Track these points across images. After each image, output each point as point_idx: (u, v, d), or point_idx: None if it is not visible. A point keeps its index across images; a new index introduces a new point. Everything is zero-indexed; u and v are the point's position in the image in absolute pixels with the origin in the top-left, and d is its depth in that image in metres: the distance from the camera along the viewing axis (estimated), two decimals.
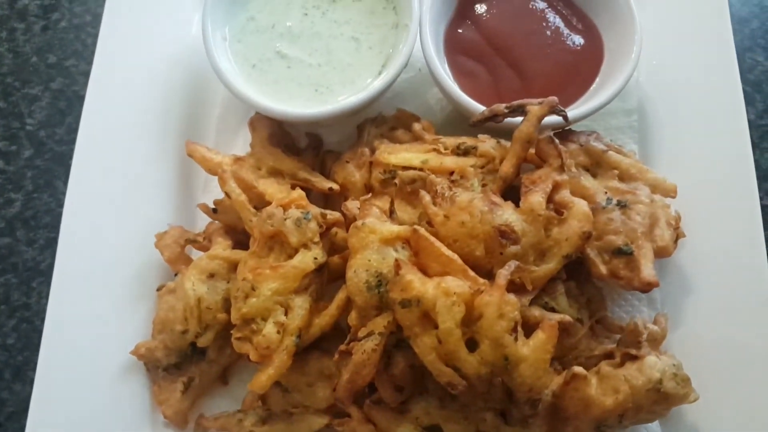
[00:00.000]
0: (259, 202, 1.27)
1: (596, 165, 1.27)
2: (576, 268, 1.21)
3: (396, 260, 1.06)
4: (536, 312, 1.11)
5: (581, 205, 1.14)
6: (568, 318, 1.13)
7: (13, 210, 1.52)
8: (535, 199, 1.12)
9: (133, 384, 1.24)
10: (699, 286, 1.26)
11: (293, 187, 1.29)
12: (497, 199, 1.13)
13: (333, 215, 1.24)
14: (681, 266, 1.27)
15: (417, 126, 1.31)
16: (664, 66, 1.46)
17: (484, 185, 1.20)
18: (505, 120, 1.21)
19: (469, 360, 1.01)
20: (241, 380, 1.30)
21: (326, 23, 1.36)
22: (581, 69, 1.36)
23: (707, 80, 1.41)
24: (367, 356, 1.06)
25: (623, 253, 1.15)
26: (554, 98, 1.16)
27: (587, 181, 1.22)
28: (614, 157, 1.26)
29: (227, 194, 1.23)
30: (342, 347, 1.10)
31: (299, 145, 1.44)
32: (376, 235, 1.11)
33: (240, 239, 1.30)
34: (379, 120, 1.39)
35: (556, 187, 1.16)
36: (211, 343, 1.21)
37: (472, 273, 1.07)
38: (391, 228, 1.12)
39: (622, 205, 1.19)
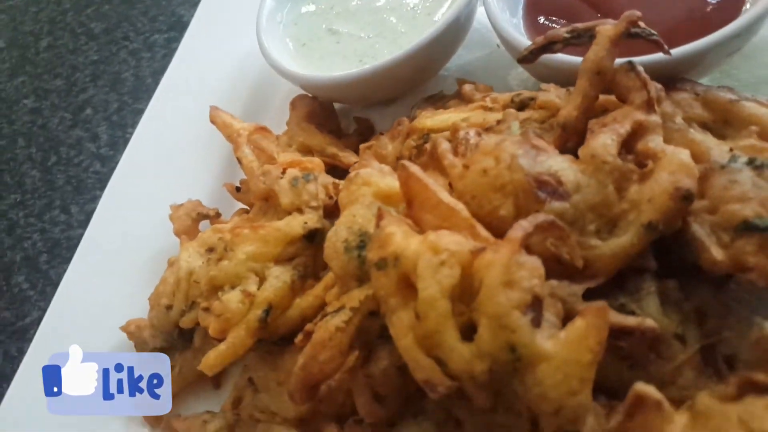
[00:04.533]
0: None
1: (723, 123, 0.86)
2: (682, 262, 0.78)
3: (378, 209, 0.78)
4: None
5: (677, 153, 0.74)
6: (652, 323, 0.70)
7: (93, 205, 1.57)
8: (600, 140, 0.76)
9: None
10: None
11: None
12: (541, 143, 0.79)
13: None
14: None
15: (467, 87, 1.05)
16: None
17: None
18: None
19: (458, 349, 0.66)
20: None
21: None
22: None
23: None
24: (329, 335, 0.76)
25: (754, 229, 0.70)
26: (634, 12, 0.82)
27: (699, 134, 0.82)
28: (750, 108, 0.84)
29: (239, 160, 1.08)
30: (308, 326, 0.81)
31: (347, 132, 1.26)
32: (371, 188, 0.85)
33: None
34: (436, 98, 1.16)
35: (639, 130, 0.78)
36: (197, 326, 1.01)
37: (483, 231, 0.73)
38: (393, 182, 0.85)
39: (757, 165, 0.75)
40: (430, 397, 0.69)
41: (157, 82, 1.70)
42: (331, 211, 0.98)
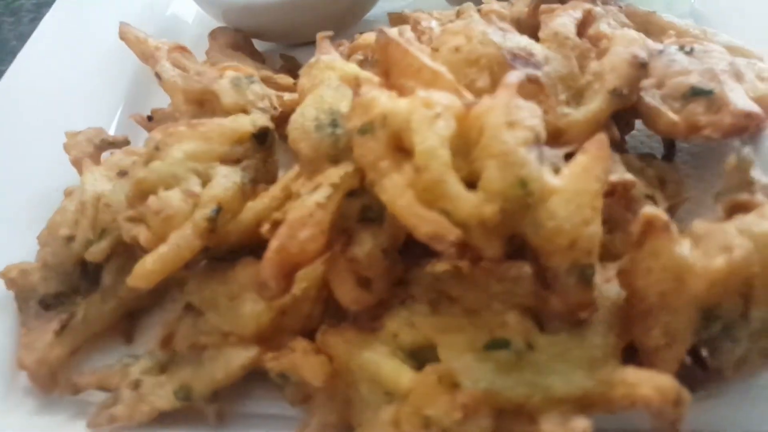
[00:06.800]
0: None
1: (645, 32, 0.94)
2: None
3: (356, 78, 0.73)
4: None
5: (627, 32, 0.81)
6: (630, 177, 0.73)
7: None
8: (559, 21, 0.80)
9: None
10: None
11: None
12: (505, 25, 0.81)
13: (294, 98, 0.94)
14: None
15: (407, 12, 1.05)
16: None
17: None
18: None
19: (463, 196, 0.62)
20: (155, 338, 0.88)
21: None
22: None
23: None
24: (309, 212, 0.67)
25: (701, 93, 0.78)
26: None
27: (633, 32, 0.90)
28: (665, 17, 0.94)
29: (158, 75, 0.96)
30: (276, 215, 0.72)
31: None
32: (335, 72, 0.79)
33: None
34: None
35: (589, 18, 0.83)
36: (107, 260, 0.85)
37: (468, 93, 0.71)
38: (357, 69, 0.81)
39: (687, 51, 0.84)
40: (434, 251, 0.64)
41: (23, 45, 1.47)
42: (278, 124, 0.90)
